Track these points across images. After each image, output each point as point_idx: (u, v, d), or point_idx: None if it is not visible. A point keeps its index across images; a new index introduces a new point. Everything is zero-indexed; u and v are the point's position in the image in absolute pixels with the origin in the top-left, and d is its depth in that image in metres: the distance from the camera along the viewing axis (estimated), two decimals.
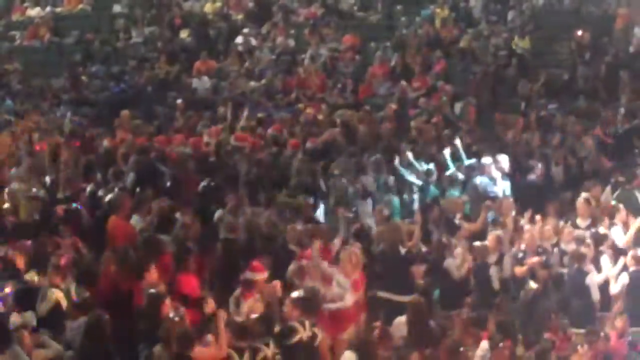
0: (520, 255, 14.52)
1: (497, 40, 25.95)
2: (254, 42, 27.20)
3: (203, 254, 13.84)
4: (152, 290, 11.58)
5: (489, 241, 14.57)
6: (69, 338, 11.35)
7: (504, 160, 18.00)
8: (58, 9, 29.67)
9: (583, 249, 14.20)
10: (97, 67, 26.68)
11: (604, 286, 14.09)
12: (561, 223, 15.45)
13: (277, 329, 11.20)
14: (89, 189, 16.54)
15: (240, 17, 28.92)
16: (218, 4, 29.34)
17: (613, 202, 15.48)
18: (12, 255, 13.22)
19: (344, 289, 12.73)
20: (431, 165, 18.24)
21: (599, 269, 14.22)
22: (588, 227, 15.28)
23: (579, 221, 15.44)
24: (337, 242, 14.16)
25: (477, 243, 14.59)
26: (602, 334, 12.66)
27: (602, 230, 14.90)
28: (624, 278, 13.89)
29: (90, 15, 29.70)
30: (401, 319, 12.39)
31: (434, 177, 17.96)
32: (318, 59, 26.04)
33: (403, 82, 23.77)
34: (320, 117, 21.94)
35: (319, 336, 11.18)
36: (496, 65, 24.96)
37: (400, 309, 12.83)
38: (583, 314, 13.67)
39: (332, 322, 12.38)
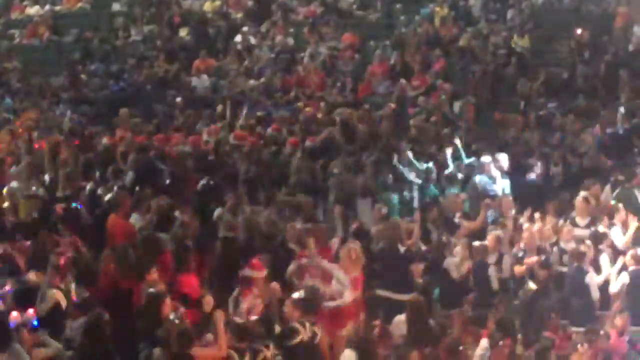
0: (520, 254, 14.51)
1: (497, 39, 25.95)
2: (253, 40, 27.18)
3: (202, 253, 13.83)
4: (152, 290, 11.57)
5: (489, 241, 14.56)
6: (70, 338, 11.33)
7: (503, 158, 17.99)
8: (57, 8, 29.64)
9: (582, 248, 14.19)
10: (97, 66, 26.65)
11: (604, 285, 14.08)
12: (560, 222, 15.44)
13: (277, 330, 11.19)
14: (88, 187, 16.53)
15: (239, 15, 28.91)
16: (217, 3, 29.33)
17: (613, 202, 15.45)
18: (12, 254, 13.22)
19: (343, 286, 12.73)
20: (430, 164, 18.23)
21: (598, 268, 14.21)
22: (587, 226, 15.26)
23: (578, 220, 15.42)
24: (335, 241, 14.16)
25: (477, 243, 14.58)
26: (602, 332, 12.64)
27: (601, 229, 14.87)
28: (624, 277, 13.87)
29: (90, 13, 29.68)
30: (401, 318, 12.39)
31: (434, 175, 17.95)
32: (317, 57, 26.03)
33: (402, 81, 23.76)
34: (319, 115, 21.93)
35: (319, 334, 11.18)
36: (495, 64, 24.96)
37: (399, 307, 12.82)
38: (583, 313, 13.66)
39: (331, 320, 12.38)
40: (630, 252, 14.09)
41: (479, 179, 17.25)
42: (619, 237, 14.61)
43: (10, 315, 10.96)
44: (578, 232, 14.96)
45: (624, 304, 13.63)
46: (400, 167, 17.89)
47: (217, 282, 13.78)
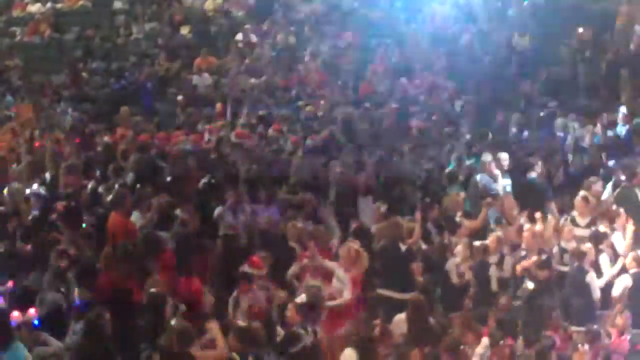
0: (521, 254, 14.48)
1: (498, 38, 25.92)
2: (254, 39, 27.17)
3: (203, 252, 13.83)
4: (153, 289, 11.58)
5: (490, 242, 14.54)
6: (72, 339, 11.33)
7: (504, 157, 17.98)
8: (58, 5, 29.62)
9: (583, 247, 14.18)
10: (98, 64, 26.66)
11: (604, 284, 14.06)
12: (561, 221, 15.42)
13: (280, 335, 11.18)
14: (89, 186, 16.54)
15: (240, 13, 28.91)
16: (218, 1, 29.31)
17: (614, 207, 15.41)
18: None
19: (343, 285, 12.72)
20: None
21: (598, 269, 14.19)
22: (588, 226, 15.25)
23: (578, 219, 15.40)
24: (335, 241, 14.15)
25: (477, 243, 14.57)
26: (602, 331, 12.64)
27: (602, 228, 14.86)
28: (626, 280, 13.85)
29: (91, 11, 29.66)
30: (401, 317, 12.38)
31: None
32: (318, 56, 26.02)
33: (403, 80, 23.75)
34: (320, 114, 21.93)
35: (319, 335, 11.20)
36: (496, 63, 24.94)
37: (400, 306, 12.82)
38: (584, 312, 13.65)
39: (331, 319, 12.37)
40: (631, 255, 14.06)
41: (480, 177, 17.22)
42: (619, 241, 14.57)
43: (12, 315, 10.98)
44: (578, 231, 14.94)
45: (627, 306, 13.61)
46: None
47: (218, 281, 13.80)
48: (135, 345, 11.48)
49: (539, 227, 14.80)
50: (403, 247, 14.03)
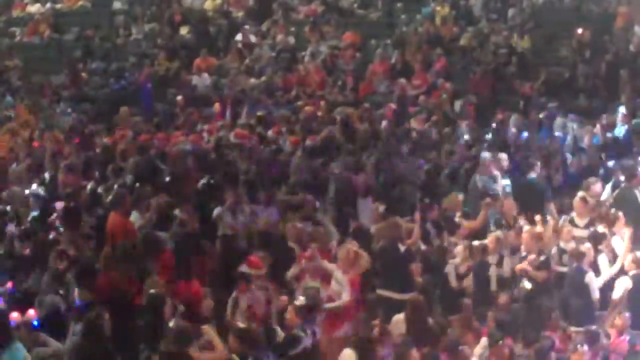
0: (520, 255, 14.47)
1: (497, 38, 25.95)
2: (254, 39, 27.18)
3: (201, 253, 13.82)
4: (152, 290, 11.57)
5: (489, 242, 14.53)
6: (72, 341, 11.32)
7: (503, 158, 17.97)
8: (58, 6, 29.63)
9: (582, 248, 14.18)
10: (97, 64, 26.66)
11: (604, 284, 14.05)
12: (560, 222, 15.41)
13: (280, 337, 11.17)
14: (89, 186, 16.53)
15: (240, 14, 28.91)
16: (218, 1, 29.33)
17: (613, 210, 15.40)
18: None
19: (341, 287, 12.71)
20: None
21: (597, 269, 14.19)
22: (586, 226, 15.24)
23: (576, 220, 15.39)
24: (334, 242, 14.13)
25: (476, 242, 14.56)
26: (601, 332, 12.64)
27: (600, 229, 14.85)
28: (626, 282, 13.85)
29: (90, 11, 29.68)
30: (400, 317, 12.38)
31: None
32: (318, 56, 26.04)
33: (402, 80, 23.76)
34: (319, 114, 21.93)
35: (318, 336, 11.21)
36: (496, 63, 24.96)
37: (399, 306, 12.82)
38: (583, 313, 13.65)
39: (330, 321, 12.36)
40: (630, 256, 14.05)
41: (479, 177, 17.20)
42: (618, 243, 14.56)
43: (11, 316, 10.98)
44: (577, 232, 14.93)
45: (626, 307, 13.60)
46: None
47: (217, 282, 13.79)
48: (134, 346, 11.48)
49: (538, 229, 14.78)
50: (402, 248, 14.02)
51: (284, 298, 12.49)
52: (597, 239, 14.51)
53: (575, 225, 15.20)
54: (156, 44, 27.58)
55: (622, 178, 16.76)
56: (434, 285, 14.18)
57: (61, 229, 14.37)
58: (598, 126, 20.62)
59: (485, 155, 17.66)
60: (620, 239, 14.60)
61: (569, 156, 19.16)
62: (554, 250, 14.68)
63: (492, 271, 14.15)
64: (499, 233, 14.78)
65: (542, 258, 14.11)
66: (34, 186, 16.94)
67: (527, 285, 13.92)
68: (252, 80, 25.08)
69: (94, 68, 26.55)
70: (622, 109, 21.39)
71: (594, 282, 13.87)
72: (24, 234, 14.45)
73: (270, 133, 20.33)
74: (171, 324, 10.97)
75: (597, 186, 16.58)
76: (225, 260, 14.04)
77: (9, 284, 12.49)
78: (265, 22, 28.14)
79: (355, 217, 16.26)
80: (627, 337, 12.91)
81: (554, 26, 27.16)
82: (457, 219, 15.68)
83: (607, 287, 14.06)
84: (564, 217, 15.68)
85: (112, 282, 12.61)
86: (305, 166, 17.83)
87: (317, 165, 17.88)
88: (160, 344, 10.73)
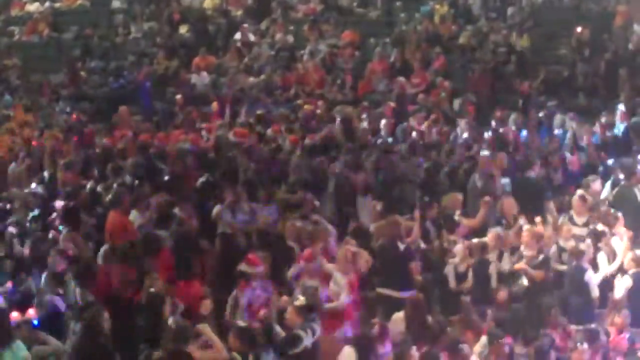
0: (520, 253, 14.47)
1: (497, 37, 25.96)
2: (253, 38, 27.17)
3: (201, 252, 13.82)
4: (152, 289, 11.57)
5: (489, 239, 14.53)
6: (73, 340, 11.32)
7: (502, 156, 17.98)
8: (57, 4, 29.60)
9: (582, 246, 14.18)
10: (96, 63, 26.64)
11: (603, 283, 14.06)
12: (560, 220, 15.41)
13: (281, 336, 11.17)
14: (89, 185, 16.53)
15: (239, 12, 28.90)
16: (217, 0, 29.30)
17: (612, 210, 15.41)
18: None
19: (340, 288, 12.68)
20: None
21: (596, 267, 14.19)
22: (585, 224, 15.24)
23: (575, 218, 15.40)
24: (332, 240, 14.09)
25: (476, 240, 14.55)
26: (601, 330, 12.64)
27: (600, 227, 14.85)
28: (627, 281, 13.85)
29: (89, 10, 29.65)
30: (399, 315, 12.38)
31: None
32: (317, 55, 26.03)
33: (401, 78, 23.76)
34: (318, 112, 21.93)
35: (317, 335, 11.21)
36: (495, 62, 24.97)
37: (398, 305, 12.82)
38: (582, 311, 13.66)
39: (329, 320, 12.33)
40: (629, 255, 14.06)
41: (478, 176, 17.20)
42: (618, 244, 14.56)
43: (11, 315, 10.98)
44: (576, 230, 14.93)
45: (628, 307, 13.61)
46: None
47: (217, 280, 13.80)
48: (133, 345, 11.49)
49: (538, 227, 14.76)
50: (401, 246, 14.01)
51: (285, 298, 12.47)
52: (596, 237, 14.51)
53: (574, 224, 15.20)
54: (155, 42, 27.56)
55: (621, 176, 16.77)
56: (434, 284, 14.18)
57: (61, 228, 14.35)
58: (597, 125, 20.63)
59: (485, 154, 17.68)
60: (619, 238, 14.60)
61: (568, 155, 19.15)
62: (553, 248, 14.67)
63: (492, 269, 14.14)
64: (498, 229, 14.77)
65: (540, 257, 14.08)
66: (33, 185, 16.94)
67: (525, 282, 13.91)
68: (251, 79, 25.08)
69: (93, 67, 26.53)
70: (621, 108, 21.41)
71: (594, 280, 13.87)
72: (24, 233, 14.45)
73: (269, 132, 20.33)
74: (170, 321, 10.96)
75: (596, 184, 16.60)
76: (225, 259, 14.04)
77: (9, 284, 12.47)
78: (264, 21, 28.13)
79: (355, 216, 16.25)
80: (627, 335, 12.91)
81: (553, 25, 27.18)
82: (456, 218, 15.67)
83: (607, 285, 14.07)
84: (563, 215, 15.68)
85: (112, 280, 12.63)
86: (305, 165, 17.82)
87: (316, 164, 17.88)
88: (160, 343, 10.74)
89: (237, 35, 27.22)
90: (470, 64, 25.28)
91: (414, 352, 11.40)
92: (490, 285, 14.03)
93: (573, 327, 13.13)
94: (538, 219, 14.96)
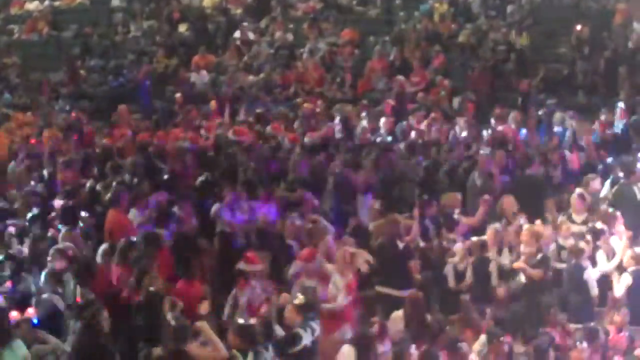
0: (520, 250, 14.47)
1: (496, 35, 25.95)
2: (252, 36, 27.17)
3: (199, 250, 13.82)
4: (152, 288, 11.57)
5: (488, 235, 14.53)
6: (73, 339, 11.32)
7: (502, 155, 17.98)
8: (56, 3, 29.57)
9: (581, 244, 14.18)
10: (96, 61, 26.63)
11: (603, 281, 14.06)
12: (559, 218, 15.41)
13: (280, 335, 11.17)
14: (88, 184, 16.53)
15: (239, 11, 28.89)
16: None
17: (610, 209, 15.40)
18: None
19: (337, 290, 12.66)
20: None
21: (594, 264, 14.19)
22: (584, 223, 15.24)
23: (574, 216, 15.40)
24: (329, 239, 14.07)
25: (475, 238, 14.55)
26: (600, 328, 12.64)
27: (599, 225, 14.86)
28: (627, 278, 13.85)
29: (89, 9, 29.63)
30: (398, 314, 12.38)
31: None
32: (316, 53, 26.03)
33: (400, 77, 23.77)
34: (318, 111, 21.92)
35: (317, 334, 11.22)
36: (495, 60, 24.96)
37: (398, 303, 12.82)
38: (581, 309, 13.66)
39: (329, 321, 12.31)
40: (628, 253, 14.06)
41: (477, 175, 17.19)
42: (617, 242, 14.56)
43: (10, 315, 10.98)
44: (575, 228, 14.92)
45: (627, 304, 13.61)
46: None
47: (216, 278, 13.80)
48: (133, 344, 11.49)
49: (537, 226, 14.75)
50: (401, 245, 14.02)
51: (285, 295, 12.46)
52: (595, 235, 14.51)
53: (573, 222, 15.20)
54: (155, 41, 27.55)
55: (620, 174, 16.77)
56: (433, 283, 14.17)
57: (60, 227, 14.34)
58: (597, 123, 20.63)
59: (484, 152, 17.68)
60: (618, 237, 14.60)
61: (567, 153, 19.15)
62: (552, 246, 14.67)
63: (493, 267, 14.13)
64: (497, 225, 14.76)
65: (539, 256, 14.04)
66: (32, 183, 16.94)
67: (522, 279, 13.91)
68: (251, 78, 25.08)
69: (92, 65, 26.52)
70: (620, 105, 21.41)
71: (593, 279, 13.87)
72: (23, 232, 14.44)
73: (268, 130, 20.32)
74: (169, 316, 10.96)
75: (596, 183, 16.60)
76: (224, 258, 14.04)
77: (8, 284, 12.46)
78: (264, 19, 28.12)
79: (355, 215, 16.24)
80: (626, 334, 12.91)
81: (552, 23, 27.19)
82: (455, 216, 15.67)
83: (606, 283, 14.07)
84: (562, 213, 15.68)
85: (111, 279, 12.64)
86: (304, 163, 17.81)
87: (316, 162, 17.87)
88: (159, 342, 10.74)
89: (237, 34, 27.22)
90: (469, 63, 25.29)
91: (413, 350, 11.41)
92: (490, 284, 14.04)
93: (572, 326, 13.13)
94: (538, 222, 14.96)
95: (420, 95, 23.35)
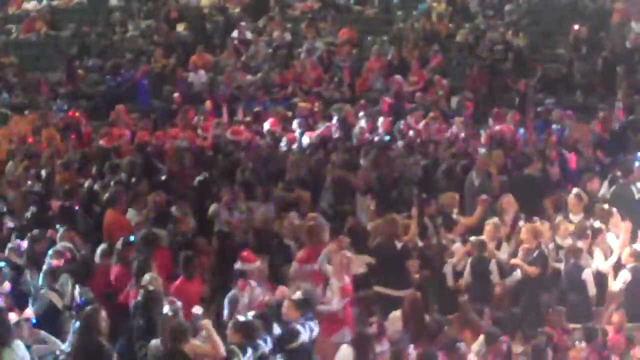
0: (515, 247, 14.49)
1: (494, 35, 25.95)
2: (250, 35, 27.16)
3: (197, 250, 13.82)
4: (151, 287, 11.57)
5: (487, 230, 14.51)
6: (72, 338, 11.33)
7: (499, 154, 17.99)
8: (54, 2, 29.57)
9: (579, 244, 14.18)
10: (94, 61, 26.62)
11: (601, 281, 14.07)
12: (558, 218, 15.41)
13: (279, 332, 11.17)
14: (86, 184, 16.53)
15: (236, 10, 28.88)
16: None
17: (606, 206, 15.41)
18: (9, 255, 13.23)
19: (333, 293, 12.63)
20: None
21: (592, 262, 14.22)
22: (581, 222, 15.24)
23: (571, 216, 15.41)
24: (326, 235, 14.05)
25: (473, 238, 14.55)
26: (599, 328, 12.65)
27: (596, 224, 14.87)
28: (625, 275, 13.87)
29: (87, 8, 29.62)
30: (397, 314, 12.39)
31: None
32: (314, 52, 26.02)
33: (398, 76, 23.77)
34: (316, 110, 21.93)
35: (315, 333, 11.22)
36: (492, 60, 24.97)
37: (396, 303, 12.82)
38: (580, 309, 13.67)
39: (324, 325, 12.28)
40: (627, 250, 14.07)
41: (475, 174, 17.19)
42: (613, 241, 14.57)
43: (9, 316, 10.97)
44: (572, 228, 14.92)
45: (626, 301, 13.63)
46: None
47: (214, 278, 13.80)
48: (131, 343, 11.49)
49: (537, 224, 14.75)
50: (399, 245, 14.01)
51: (283, 288, 12.41)
52: (592, 233, 14.52)
53: (570, 222, 15.21)
54: (152, 40, 27.53)
55: (618, 174, 16.78)
56: (431, 282, 14.17)
57: (58, 227, 14.34)
58: (594, 122, 20.63)
59: (482, 151, 17.69)
60: (614, 235, 14.61)
61: (565, 152, 19.15)
62: (550, 246, 14.67)
63: (493, 265, 14.11)
64: (496, 220, 14.76)
65: (536, 253, 14.03)
66: (30, 183, 16.94)
67: (519, 274, 13.92)
68: (249, 77, 25.08)
69: (90, 65, 26.52)
70: (618, 105, 21.41)
71: (592, 279, 13.88)
72: (21, 231, 14.45)
73: (266, 130, 20.32)
74: (166, 309, 10.98)
75: (593, 182, 16.61)
76: (222, 257, 14.04)
77: (7, 285, 12.44)
78: (262, 19, 28.11)
79: (353, 214, 16.23)
80: (625, 334, 12.92)
81: (550, 23, 27.19)
82: (454, 216, 15.67)
83: (604, 282, 14.08)
84: (560, 213, 15.68)
85: (110, 279, 12.64)
86: (303, 163, 17.80)
87: (313, 162, 17.87)
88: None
89: (235, 33, 27.20)
90: (467, 62, 25.28)
91: (412, 350, 11.42)
92: (488, 284, 14.01)
93: (571, 325, 13.14)
94: (536, 217, 14.98)
95: (419, 94, 23.35)
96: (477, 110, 22.92)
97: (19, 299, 12.20)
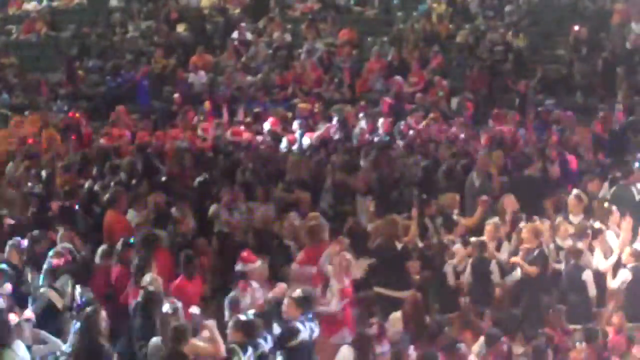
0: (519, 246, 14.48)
1: (494, 36, 25.96)
2: (250, 36, 27.17)
3: (197, 251, 13.82)
4: (151, 288, 11.57)
5: (487, 230, 14.51)
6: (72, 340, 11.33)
7: (500, 155, 17.99)
8: (54, 3, 29.58)
9: (579, 245, 14.18)
10: (94, 62, 26.63)
11: (602, 282, 14.07)
12: (558, 219, 15.41)
13: (279, 330, 11.17)
14: (86, 185, 16.53)
15: (237, 11, 28.89)
16: None
17: (606, 205, 15.41)
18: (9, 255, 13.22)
19: (332, 294, 12.63)
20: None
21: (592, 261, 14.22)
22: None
23: (571, 217, 15.40)
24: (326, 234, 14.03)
25: (474, 239, 14.55)
26: (599, 329, 12.65)
27: (596, 225, 14.87)
28: (625, 274, 13.86)
29: (87, 9, 29.63)
30: (397, 315, 12.38)
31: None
32: (314, 53, 26.03)
33: (398, 77, 23.77)
34: (316, 111, 21.93)
35: (316, 333, 11.22)
36: (493, 61, 24.98)
37: (396, 304, 12.81)
38: (580, 310, 13.66)
39: (324, 326, 12.27)
40: (627, 250, 14.07)
41: (475, 175, 17.20)
42: (613, 239, 14.57)
43: (9, 317, 10.97)
44: (572, 229, 14.92)
45: (627, 301, 13.62)
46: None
47: (215, 279, 13.80)
48: (131, 344, 11.49)
49: (537, 224, 14.75)
50: (399, 246, 14.01)
51: (282, 285, 12.38)
52: (592, 233, 14.52)
53: (570, 223, 15.21)
54: (153, 41, 27.54)
55: (619, 175, 16.78)
56: (432, 283, 14.16)
57: (58, 228, 14.34)
58: (595, 123, 20.63)
59: (482, 152, 17.68)
60: (614, 234, 14.62)
61: (565, 154, 19.15)
62: (551, 247, 14.67)
63: (493, 266, 14.11)
64: (496, 219, 14.76)
65: (536, 252, 14.02)
66: (30, 184, 16.94)
67: (518, 274, 13.91)
68: (249, 78, 25.09)
69: (90, 66, 26.53)
70: (618, 106, 21.42)
71: (592, 279, 13.88)
72: (21, 231, 14.43)
73: (266, 130, 20.32)
74: (166, 308, 10.98)
75: (594, 183, 16.61)
76: (222, 258, 14.03)
77: (8, 286, 12.43)
78: (262, 19, 28.12)
79: (353, 215, 16.23)
80: (625, 335, 12.91)
81: (550, 23, 27.21)
82: (454, 217, 15.67)
83: (604, 283, 14.08)
84: (560, 214, 15.68)
85: (110, 280, 12.64)
86: (303, 164, 17.81)
87: (314, 163, 17.88)
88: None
89: (235, 34, 27.21)
90: (467, 63, 25.29)
91: (412, 351, 11.42)
92: (489, 285, 14.02)
93: (571, 326, 13.14)
94: (536, 217, 14.98)
95: (419, 95, 23.37)
96: (477, 111, 22.93)
97: (19, 300, 12.18)
